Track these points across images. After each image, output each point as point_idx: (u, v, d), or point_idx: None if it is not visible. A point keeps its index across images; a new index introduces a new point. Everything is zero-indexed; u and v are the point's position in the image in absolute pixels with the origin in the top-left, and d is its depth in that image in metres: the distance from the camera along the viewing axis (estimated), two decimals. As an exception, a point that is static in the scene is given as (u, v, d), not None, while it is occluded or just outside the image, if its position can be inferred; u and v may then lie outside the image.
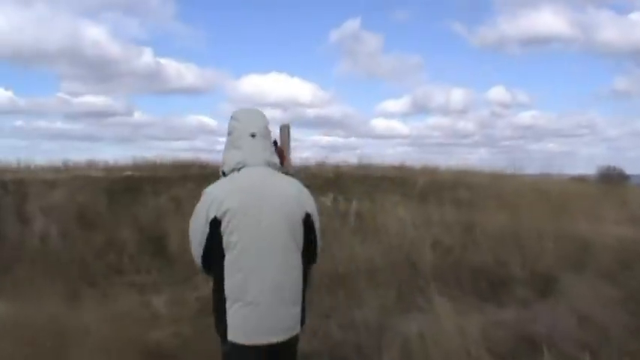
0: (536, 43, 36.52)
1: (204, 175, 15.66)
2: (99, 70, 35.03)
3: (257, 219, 2.77)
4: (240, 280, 2.74)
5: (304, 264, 2.96)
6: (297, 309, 2.90)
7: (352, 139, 35.13)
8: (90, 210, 12.67)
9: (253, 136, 2.94)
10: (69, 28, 33.37)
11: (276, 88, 32.90)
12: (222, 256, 2.77)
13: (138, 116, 33.65)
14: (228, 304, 2.77)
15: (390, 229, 10.08)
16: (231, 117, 3.07)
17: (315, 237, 3.04)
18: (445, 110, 35.34)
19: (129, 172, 16.64)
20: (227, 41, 36.59)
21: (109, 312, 8.18)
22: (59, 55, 35.01)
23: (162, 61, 35.82)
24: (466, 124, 34.51)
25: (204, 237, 2.83)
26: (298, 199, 2.94)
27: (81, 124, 36.97)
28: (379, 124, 34.52)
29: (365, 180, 15.46)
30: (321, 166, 17.54)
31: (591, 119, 30.60)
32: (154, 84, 35.45)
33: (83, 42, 33.03)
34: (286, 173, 3.24)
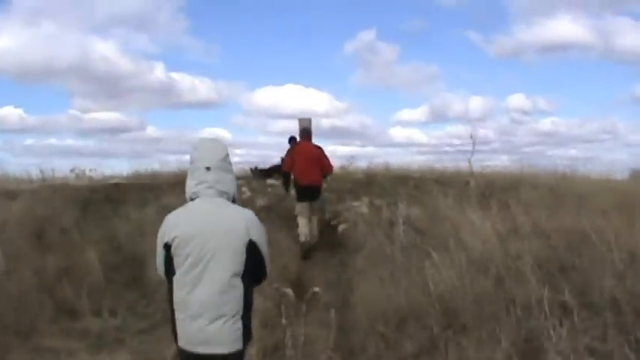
0: (554, 50, 34.62)
1: None
2: (110, 86, 33.83)
3: (201, 245, 2.97)
4: (184, 296, 2.97)
5: (245, 286, 3.06)
6: (236, 326, 3.01)
7: (370, 149, 33.08)
8: (51, 226, 9.34)
9: (208, 169, 3.10)
10: (78, 45, 32.00)
11: (292, 100, 30.64)
12: (174, 274, 3.00)
13: (151, 131, 32.11)
14: (176, 315, 3.00)
15: (462, 242, 6.62)
16: (193, 147, 3.21)
17: (260, 261, 3.16)
18: (464, 118, 33.27)
19: (116, 180, 13.45)
20: (241, 54, 35.04)
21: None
22: (69, 72, 33.96)
23: (175, 75, 34.37)
24: (486, 132, 32.25)
25: (162, 257, 3.08)
26: (242, 227, 3.05)
27: (93, 140, 35.51)
28: (397, 133, 32.55)
29: (404, 181, 12.07)
30: (345, 168, 14.16)
31: (613, 125, 28.44)
32: (166, 98, 34.07)
33: (93, 58, 32.12)
34: None
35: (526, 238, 6.69)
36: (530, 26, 35.72)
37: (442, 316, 5.19)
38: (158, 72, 34.10)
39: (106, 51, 33.54)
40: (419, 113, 36.01)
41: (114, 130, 33.85)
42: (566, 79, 35.44)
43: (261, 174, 12.48)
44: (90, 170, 13.93)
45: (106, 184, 12.86)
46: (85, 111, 39.57)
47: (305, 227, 8.96)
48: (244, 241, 3.02)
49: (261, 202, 10.63)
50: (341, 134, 34.87)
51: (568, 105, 35.37)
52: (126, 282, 7.92)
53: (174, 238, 2.99)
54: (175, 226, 3.03)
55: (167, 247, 3.03)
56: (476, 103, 35.49)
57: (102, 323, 6.64)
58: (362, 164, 15.16)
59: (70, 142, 32.83)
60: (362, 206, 9.90)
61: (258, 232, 3.10)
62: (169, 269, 3.05)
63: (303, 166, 9.15)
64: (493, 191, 10.38)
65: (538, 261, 6.02)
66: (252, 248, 3.06)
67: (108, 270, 8.04)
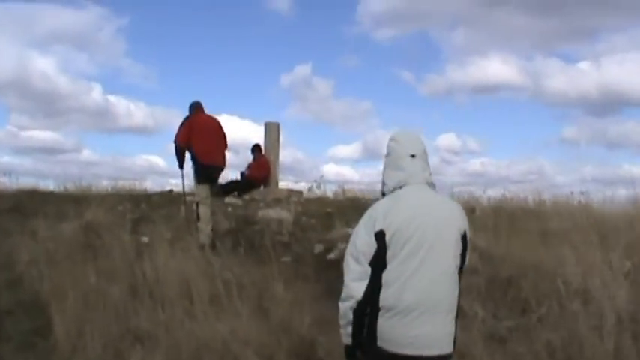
0: (486, 91, 34.62)
1: (144, 196, 10.12)
2: (48, 104, 32.70)
3: (420, 232, 2.58)
4: (397, 290, 2.56)
5: (460, 281, 2.71)
6: (450, 327, 2.60)
7: (302, 185, 30.77)
8: None
9: (413, 157, 2.79)
10: (18, 59, 30.69)
11: (227, 130, 28.14)
12: (384, 267, 2.58)
13: (87, 155, 30.14)
14: (380, 313, 2.57)
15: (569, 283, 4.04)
16: (390, 139, 2.93)
17: (466, 255, 2.75)
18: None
19: (32, 187, 10.26)
20: (178, 81, 33.92)
21: None
22: (8, 87, 32.21)
23: (112, 98, 33.99)
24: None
25: (373, 250, 2.58)
26: (457, 216, 2.73)
27: (29, 159, 33.85)
28: (330, 169, 30.59)
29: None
30: (312, 190, 11.36)
31: (540, 166, 27.65)
32: (103, 121, 33.37)
33: (32, 74, 30.64)
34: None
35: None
36: (463, 66, 35.35)
37: None
38: (96, 93, 32.34)
39: (45, 68, 31.80)
40: (352, 150, 34.58)
41: (50, 151, 31.53)
42: (497, 119, 34.97)
43: (218, 190, 9.47)
44: (4, 175, 10.64)
45: (18, 192, 9.73)
46: (22, 128, 37.39)
47: (208, 224, 7.27)
48: (461, 230, 2.68)
49: (224, 224, 7.68)
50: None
51: (497, 146, 34.47)
52: (21, 339, 4.79)
53: (390, 225, 2.56)
54: (389, 213, 2.60)
55: (380, 235, 2.56)
56: (408, 142, 34.32)
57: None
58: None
59: (6, 159, 30.38)
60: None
61: (467, 223, 2.76)
62: (378, 263, 2.57)
63: (206, 144, 7.44)
64: (514, 220, 7.80)
65: None
66: (464, 239, 2.70)
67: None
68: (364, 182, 30.36)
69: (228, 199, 9.44)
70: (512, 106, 34.80)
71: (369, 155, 32.93)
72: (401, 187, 2.72)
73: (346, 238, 6.97)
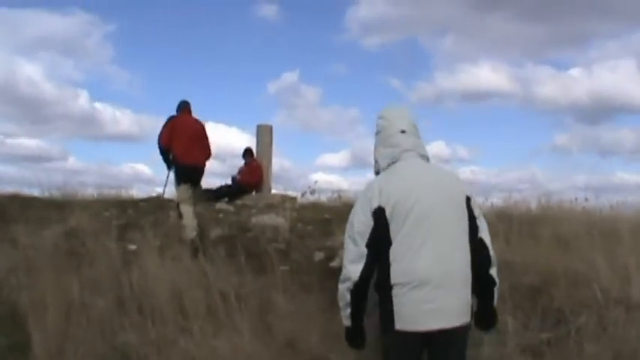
0: (475, 98, 34.25)
1: (131, 201, 9.64)
2: (34, 111, 32.71)
3: (420, 205, 2.51)
4: (407, 265, 2.48)
5: (472, 250, 2.57)
6: (466, 297, 2.52)
7: (289, 193, 30.09)
8: None
9: (403, 132, 2.75)
10: (4, 65, 30.88)
11: (213, 138, 27.58)
12: (389, 244, 2.51)
13: (72, 162, 29.69)
14: (394, 292, 2.48)
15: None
16: (379, 116, 2.88)
17: (476, 221, 2.63)
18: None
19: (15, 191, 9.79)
20: (165, 89, 33.72)
21: None
22: None
23: (98, 105, 33.81)
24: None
25: (369, 229, 2.52)
26: (455, 182, 2.71)
27: (15, 167, 33.39)
28: (318, 178, 29.76)
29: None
30: (305, 196, 10.83)
31: (532, 174, 26.97)
32: (89, 129, 33.74)
33: (18, 80, 30.57)
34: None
35: None
36: (452, 73, 34.88)
37: None
38: (82, 100, 32.20)
39: (31, 74, 31.60)
40: (340, 158, 33.85)
41: (37, 158, 31.07)
42: (487, 127, 34.48)
43: (209, 196, 9.02)
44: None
45: (-1, 196, 9.15)
46: (8, 135, 37.66)
47: (193, 219, 7.10)
48: (464, 196, 2.62)
49: (216, 231, 7.24)
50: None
51: (488, 153, 34.02)
52: (-3, 355, 4.34)
53: (389, 200, 2.49)
54: (385, 188, 2.55)
55: (379, 212, 2.49)
56: (397, 150, 33.71)
57: None
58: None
59: (-7, 166, 30.55)
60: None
61: (469, 190, 2.70)
62: (381, 241, 2.50)
63: (185, 144, 7.27)
64: (522, 226, 7.44)
65: None
66: (469, 205, 2.63)
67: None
68: (353, 190, 29.69)
69: (218, 205, 9.01)
70: (502, 114, 34.32)
71: (357, 163, 32.31)
72: (394, 162, 2.67)
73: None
